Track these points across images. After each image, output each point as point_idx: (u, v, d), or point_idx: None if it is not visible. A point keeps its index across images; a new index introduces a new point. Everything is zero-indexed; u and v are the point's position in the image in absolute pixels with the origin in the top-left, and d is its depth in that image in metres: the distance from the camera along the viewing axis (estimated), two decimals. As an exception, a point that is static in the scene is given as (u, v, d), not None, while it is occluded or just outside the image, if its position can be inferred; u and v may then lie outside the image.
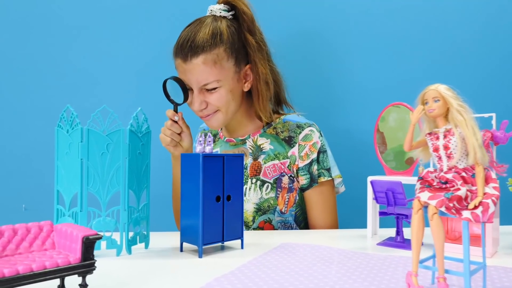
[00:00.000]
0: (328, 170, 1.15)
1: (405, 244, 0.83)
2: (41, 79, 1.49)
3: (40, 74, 1.49)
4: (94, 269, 0.52)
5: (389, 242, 0.84)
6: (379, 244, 0.85)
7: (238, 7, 1.10)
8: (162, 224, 1.15)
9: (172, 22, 1.41)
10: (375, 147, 0.95)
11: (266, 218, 1.14)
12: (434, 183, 0.56)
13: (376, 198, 0.85)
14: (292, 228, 1.16)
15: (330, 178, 1.15)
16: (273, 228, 1.15)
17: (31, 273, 0.47)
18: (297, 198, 1.16)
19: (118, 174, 0.75)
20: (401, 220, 0.85)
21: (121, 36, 1.48)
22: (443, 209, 0.51)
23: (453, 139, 0.55)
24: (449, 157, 0.55)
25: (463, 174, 0.53)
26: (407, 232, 0.87)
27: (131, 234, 0.78)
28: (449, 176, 0.54)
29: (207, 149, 0.78)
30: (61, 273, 0.50)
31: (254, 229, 1.13)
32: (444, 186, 0.54)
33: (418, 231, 0.52)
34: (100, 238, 0.53)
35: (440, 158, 0.56)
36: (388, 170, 0.92)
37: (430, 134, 0.58)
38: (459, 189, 0.52)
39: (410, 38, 1.40)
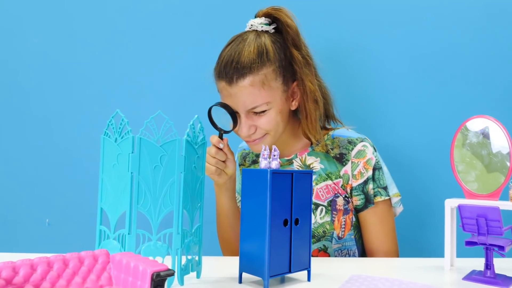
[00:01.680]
0: (385, 188, 1.04)
1: (497, 279, 0.71)
2: (88, 81, 1.39)
3: (87, 76, 1.39)
4: (164, 314, 0.42)
5: (478, 277, 0.72)
6: (465, 279, 0.73)
7: (281, 19, 1.00)
8: (212, 247, 1.05)
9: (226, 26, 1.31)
10: (451, 166, 0.84)
11: (321, 246, 1.03)
12: None
13: (463, 225, 0.73)
14: (349, 255, 1.05)
15: (387, 198, 1.04)
16: (329, 257, 1.03)
17: (93, 321, 0.37)
18: (354, 219, 1.05)
19: (172, 191, 0.65)
20: (491, 251, 0.73)
21: (178, 40, 1.39)
22: None
23: None
24: None
25: None
26: (498, 265, 0.76)
27: (183, 261, 0.67)
28: None
29: (273, 165, 0.67)
30: (127, 320, 0.39)
31: None
32: None
33: None
34: (172, 274, 0.42)
35: None
36: (468, 193, 0.81)
37: None
38: None
39: (466, 46, 1.30)
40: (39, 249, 0.94)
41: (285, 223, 0.67)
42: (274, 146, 0.68)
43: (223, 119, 1.00)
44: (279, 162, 1.07)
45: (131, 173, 0.63)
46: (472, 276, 0.74)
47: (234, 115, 0.98)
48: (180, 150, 0.66)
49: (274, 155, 0.68)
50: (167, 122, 0.65)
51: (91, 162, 1.31)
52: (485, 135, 0.80)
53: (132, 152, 0.63)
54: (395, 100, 1.33)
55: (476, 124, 0.81)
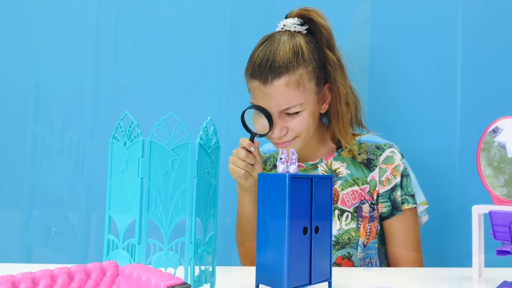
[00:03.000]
0: (413, 196, 1.02)
1: (532, 292, 0.66)
2: (96, 81, 1.34)
3: (94, 76, 1.34)
4: (180, 334, 0.38)
5: (511, 289, 0.68)
6: (497, 291, 0.68)
7: (315, 20, 0.99)
8: (226, 257, 1.01)
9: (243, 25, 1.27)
10: (478, 170, 0.79)
11: (345, 253, 1.00)
12: None
13: (494, 233, 0.69)
14: (371, 264, 1.01)
15: (414, 205, 1.01)
16: (353, 265, 1.00)
17: None
18: (379, 227, 1.03)
19: (185, 198, 0.61)
20: (525, 261, 0.68)
21: (190, 40, 1.34)
22: None
23: None
24: None
25: None
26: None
27: (196, 272, 0.63)
28: None
29: (292, 169, 0.63)
30: None
31: None
32: None
33: None
34: (188, 289, 0.38)
35: None
36: (496, 198, 0.76)
37: None
38: None
39: (491, 49, 1.25)
40: (43, 259, 0.90)
41: (305, 231, 0.62)
42: (292, 150, 0.65)
43: (251, 121, 0.99)
44: (298, 166, 1.04)
45: (141, 178, 0.59)
46: (504, 287, 0.69)
47: (270, 117, 0.96)
48: (192, 154, 0.62)
49: (292, 159, 0.64)
50: (179, 124, 0.62)
51: (98, 167, 1.27)
52: (514, 137, 0.76)
53: (142, 157, 0.59)
54: (415, 101, 1.28)
55: (504, 125, 0.77)
